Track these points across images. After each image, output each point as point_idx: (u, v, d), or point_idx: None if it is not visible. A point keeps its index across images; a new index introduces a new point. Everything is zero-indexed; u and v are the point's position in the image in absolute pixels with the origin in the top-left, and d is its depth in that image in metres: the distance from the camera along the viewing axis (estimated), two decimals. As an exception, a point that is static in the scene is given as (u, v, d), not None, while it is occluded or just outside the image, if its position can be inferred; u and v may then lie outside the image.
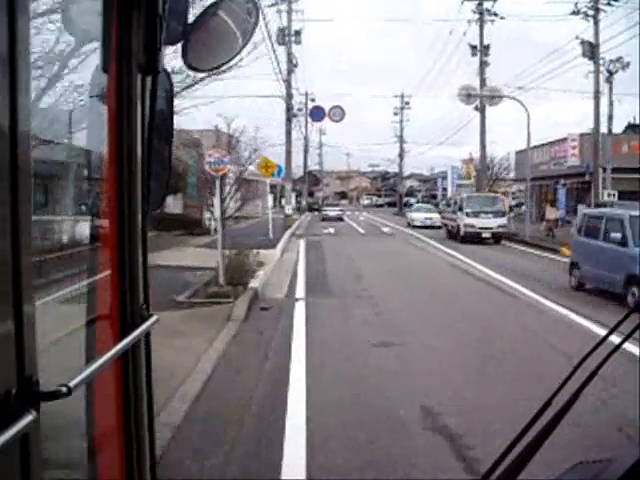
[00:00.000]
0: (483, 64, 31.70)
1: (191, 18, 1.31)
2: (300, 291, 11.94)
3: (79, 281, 1.88)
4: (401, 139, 68.63)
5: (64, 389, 0.82)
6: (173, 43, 1.26)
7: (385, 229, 35.41)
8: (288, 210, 33.80)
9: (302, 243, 23.81)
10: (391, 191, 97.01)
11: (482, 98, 31.18)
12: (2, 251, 0.71)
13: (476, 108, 32.98)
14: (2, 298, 0.72)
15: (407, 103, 66.34)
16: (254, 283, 11.53)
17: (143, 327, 1.20)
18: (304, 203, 63.96)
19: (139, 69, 1.15)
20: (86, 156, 1.55)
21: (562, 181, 34.22)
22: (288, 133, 34.21)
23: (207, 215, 28.33)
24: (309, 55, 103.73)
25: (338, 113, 39.78)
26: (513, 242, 25.97)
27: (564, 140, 34.49)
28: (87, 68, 1.32)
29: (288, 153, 34.21)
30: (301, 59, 49.06)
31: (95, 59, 1.19)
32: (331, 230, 32.91)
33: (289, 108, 33.66)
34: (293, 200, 75.12)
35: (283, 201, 34.90)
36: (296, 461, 4.12)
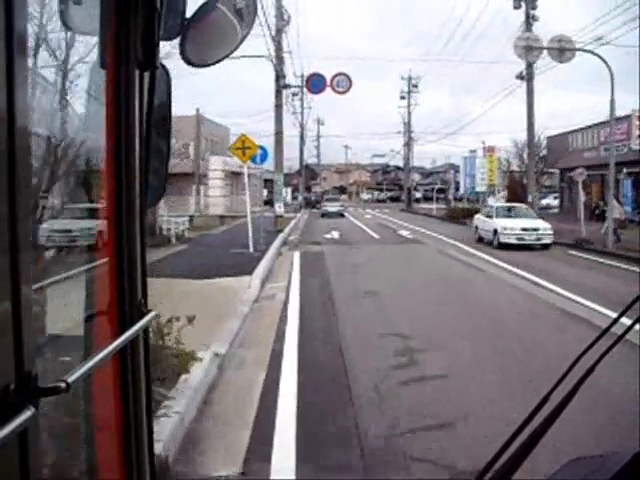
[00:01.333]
0: (531, 18, 24.35)
1: (189, 13, 1.38)
2: (286, 445, 4.80)
3: (78, 277, 1.91)
4: (409, 125, 65.32)
5: (63, 385, 0.86)
6: (171, 38, 1.33)
7: (404, 232, 29.83)
8: (279, 209, 28.00)
9: (296, 260, 17.35)
10: (392, 185, 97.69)
11: (530, 65, 27.22)
12: (0, 247, 0.77)
13: (520, 77, 27.63)
14: (0, 294, 0.77)
15: (415, 86, 63.14)
16: (162, 430, 4.49)
17: (141, 323, 1.28)
18: (300, 198, 61.40)
19: (137, 64, 1.24)
20: (84, 151, 1.71)
21: (625, 170, 30.18)
22: (278, 108, 28.44)
23: (164, 219, 20.86)
24: (302, 40, 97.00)
25: (343, 82, 31.82)
26: (581, 251, 20.58)
27: (624, 119, 29.83)
28: (85, 63, 1.34)
29: (278, 135, 28.48)
30: (295, 14, 42.78)
31: (93, 55, 1.30)
32: (335, 235, 27.34)
33: (279, 76, 28.02)
34: (289, 196, 68.38)
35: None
36: None
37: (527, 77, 26.94)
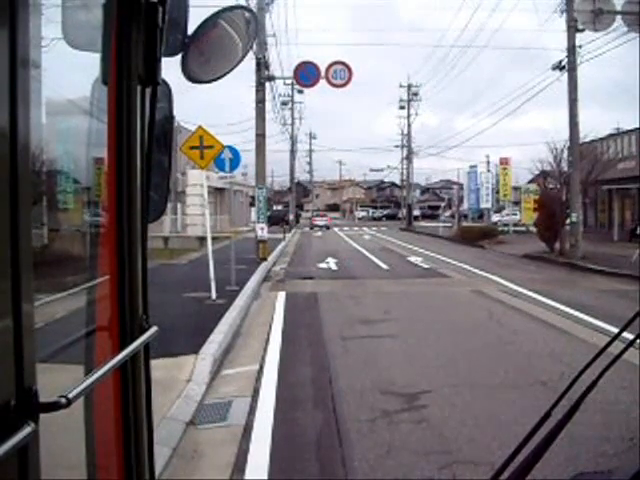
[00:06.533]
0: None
1: (191, 29, 1.41)
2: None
3: (79, 292, 1.93)
4: (409, 136, 64.17)
5: (63, 400, 0.87)
6: (173, 54, 1.36)
7: (416, 259, 25.25)
8: (262, 231, 22.76)
9: (279, 309, 12.59)
10: (388, 202, 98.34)
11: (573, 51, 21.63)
12: (2, 261, 0.78)
13: (559, 67, 23.42)
14: (1, 308, 0.78)
15: (416, 94, 62.13)
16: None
17: (142, 338, 1.29)
18: (291, 218, 59.75)
19: (139, 81, 1.28)
20: (86, 167, 1.62)
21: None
22: (259, 104, 23.95)
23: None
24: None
25: (341, 73, 25.19)
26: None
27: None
28: (87, 79, 1.42)
29: (259, 138, 24.16)
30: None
31: (95, 71, 1.32)
32: (332, 264, 22.85)
33: (259, 63, 23.30)
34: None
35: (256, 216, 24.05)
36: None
37: (569, 65, 22.14)
